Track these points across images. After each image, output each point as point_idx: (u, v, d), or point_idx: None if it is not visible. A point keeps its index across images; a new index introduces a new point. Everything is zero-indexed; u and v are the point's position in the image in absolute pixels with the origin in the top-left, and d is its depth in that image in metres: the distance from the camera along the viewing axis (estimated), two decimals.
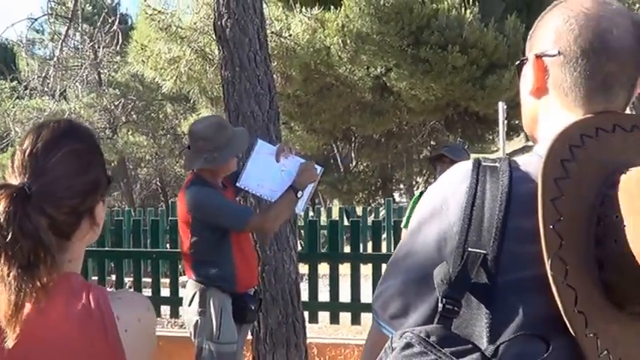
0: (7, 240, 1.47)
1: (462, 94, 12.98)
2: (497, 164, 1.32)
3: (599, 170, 1.27)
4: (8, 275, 1.48)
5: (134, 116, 21.94)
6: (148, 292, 7.87)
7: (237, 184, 4.40)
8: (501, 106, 9.80)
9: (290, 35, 8.68)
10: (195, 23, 8.32)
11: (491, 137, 17.32)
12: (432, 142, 17.21)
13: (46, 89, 11.49)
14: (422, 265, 1.31)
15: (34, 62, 12.84)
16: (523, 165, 1.32)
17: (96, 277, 8.12)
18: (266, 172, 4.35)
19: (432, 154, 6.94)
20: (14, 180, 1.56)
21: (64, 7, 11.51)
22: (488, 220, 1.26)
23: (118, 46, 9.88)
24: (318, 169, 4.44)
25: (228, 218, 4.25)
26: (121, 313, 1.58)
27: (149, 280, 8.41)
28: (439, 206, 1.33)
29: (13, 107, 13.75)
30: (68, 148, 1.61)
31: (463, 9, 12.16)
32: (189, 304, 4.36)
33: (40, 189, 1.54)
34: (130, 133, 21.48)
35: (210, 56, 7.73)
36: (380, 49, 12.91)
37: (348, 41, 12.83)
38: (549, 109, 1.40)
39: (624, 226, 1.18)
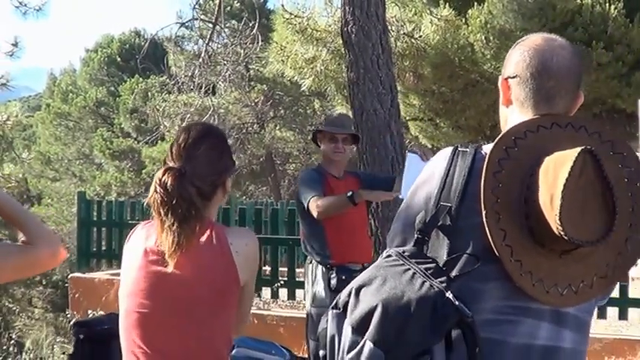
0: (173, 203, 2.46)
1: (608, 91, 13.16)
2: (468, 149, 2.09)
3: (534, 154, 2.00)
4: (172, 225, 2.48)
5: (282, 111, 23.07)
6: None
7: (400, 197, 5.16)
8: None
9: (420, 36, 9.40)
10: (330, 26, 9.22)
11: None
12: None
13: (192, 87, 12.66)
14: (415, 214, 2.08)
15: (182, 59, 14.04)
16: (485, 150, 2.07)
17: None
18: None
19: None
20: (173, 164, 2.58)
21: (209, 7, 12.54)
22: (455, 185, 2.03)
23: (258, 47, 10.92)
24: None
25: (301, 195, 5.12)
26: (233, 240, 2.56)
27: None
28: (429, 175, 2.12)
29: (163, 102, 15.13)
30: (209, 143, 2.65)
31: (607, 5, 12.36)
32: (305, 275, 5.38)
33: (191, 170, 2.55)
34: (277, 128, 22.59)
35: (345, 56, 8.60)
36: None
37: (492, 38, 13.30)
38: (513, 114, 2.15)
39: (538, 190, 1.92)
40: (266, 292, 9.27)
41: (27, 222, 2.40)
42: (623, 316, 8.02)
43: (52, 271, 21.47)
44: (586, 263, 1.98)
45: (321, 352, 1.97)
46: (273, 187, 25.66)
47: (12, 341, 9.40)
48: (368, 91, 6.16)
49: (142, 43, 22.63)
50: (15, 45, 11.29)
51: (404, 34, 9.13)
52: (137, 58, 14.92)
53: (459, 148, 2.11)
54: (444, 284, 1.87)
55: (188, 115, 14.09)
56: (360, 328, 1.87)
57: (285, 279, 9.12)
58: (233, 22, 18.85)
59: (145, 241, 2.58)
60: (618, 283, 7.88)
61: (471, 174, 2.02)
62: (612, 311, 8.07)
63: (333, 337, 1.95)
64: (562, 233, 1.82)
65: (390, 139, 6.04)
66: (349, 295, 1.95)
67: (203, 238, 2.53)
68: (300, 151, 24.74)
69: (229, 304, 2.54)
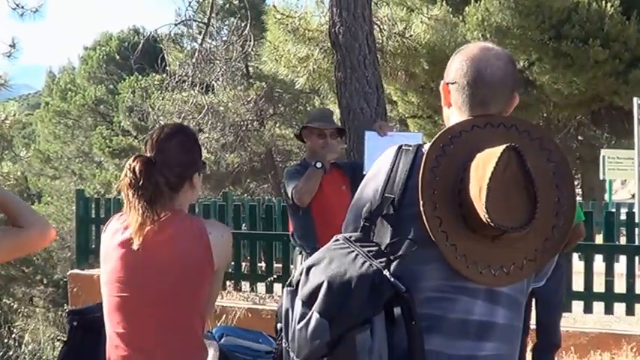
0: (140, 185, 2.78)
1: (605, 88, 13.45)
2: (410, 148, 2.39)
3: (468, 151, 2.29)
4: (137, 205, 2.78)
5: (281, 109, 23.36)
6: None
7: (364, 173, 5.46)
8: (636, 102, 10.57)
9: (411, 36, 9.68)
10: (322, 25, 9.51)
11: None
12: (579, 137, 17.58)
13: (185, 87, 12.94)
14: (364, 205, 2.39)
15: (182, 57, 14.33)
16: (426, 148, 2.38)
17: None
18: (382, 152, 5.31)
19: None
20: (147, 154, 2.90)
21: (208, 6, 12.82)
22: (398, 179, 2.33)
23: (251, 46, 11.23)
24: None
25: (286, 189, 5.40)
26: (211, 231, 2.87)
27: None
28: (377, 171, 2.43)
29: (162, 99, 15.43)
30: (179, 139, 2.98)
31: (604, 2, 12.64)
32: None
33: (161, 160, 2.87)
34: (277, 125, 22.88)
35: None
36: (521, 42, 13.59)
37: (489, 35, 13.59)
38: (453, 115, 2.44)
39: (469, 183, 2.22)
40: (261, 287, 9.59)
41: (16, 206, 2.74)
42: (609, 310, 8.31)
43: (54, 269, 21.78)
44: (516, 248, 2.27)
45: (278, 325, 2.29)
46: (273, 185, 25.91)
47: (13, 335, 9.69)
48: (355, 90, 6.45)
49: (141, 41, 22.87)
50: (12, 46, 11.57)
51: (395, 33, 9.41)
52: (131, 58, 15.20)
53: (403, 147, 2.41)
54: (382, 264, 2.18)
55: (184, 113, 14.38)
56: (308, 302, 2.19)
57: (280, 274, 9.44)
58: (232, 19, 19.16)
59: (122, 232, 2.89)
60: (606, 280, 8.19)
61: (413, 169, 2.32)
62: (599, 306, 8.36)
63: (287, 311, 2.26)
64: (488, 220, 2.11)
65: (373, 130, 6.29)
66: (301, 273, 2.26)
67: (182, 228, 2.83)
68: (300, 149, 24.91)
69: (203, 288, 2.85)
